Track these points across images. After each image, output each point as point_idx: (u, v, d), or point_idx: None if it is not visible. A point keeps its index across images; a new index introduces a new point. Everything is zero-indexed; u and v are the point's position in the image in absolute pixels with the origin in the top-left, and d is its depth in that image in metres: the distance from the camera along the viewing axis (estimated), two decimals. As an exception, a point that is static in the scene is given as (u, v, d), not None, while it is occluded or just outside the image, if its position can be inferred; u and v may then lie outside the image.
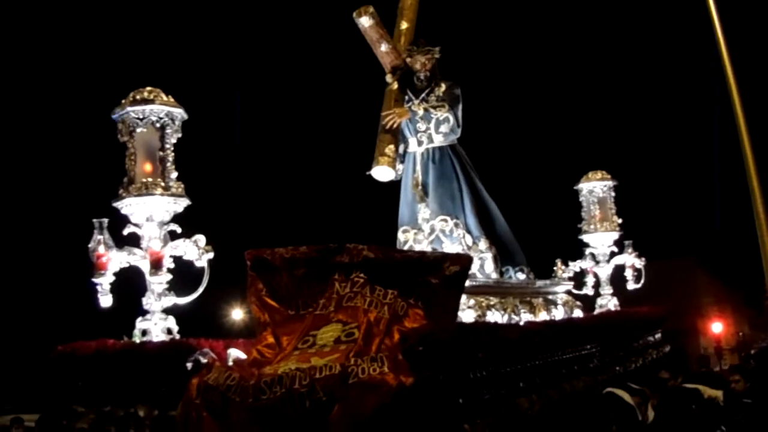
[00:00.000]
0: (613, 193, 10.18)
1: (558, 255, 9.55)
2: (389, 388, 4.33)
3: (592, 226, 10.05)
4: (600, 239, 10.08)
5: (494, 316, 6.83)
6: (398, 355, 4.55)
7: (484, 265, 7.68)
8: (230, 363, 5.30)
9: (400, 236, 8.12)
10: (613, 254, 10.18)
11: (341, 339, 5.05)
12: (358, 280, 5.38)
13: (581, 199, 10.17)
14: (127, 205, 5.69)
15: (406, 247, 7.77)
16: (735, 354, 23.67)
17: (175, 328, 5.72)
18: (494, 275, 7.79)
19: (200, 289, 5.74)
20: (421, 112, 8.33)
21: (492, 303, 6.99)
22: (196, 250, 5.71)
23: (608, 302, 10.05)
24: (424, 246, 7.52)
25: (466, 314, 6.61)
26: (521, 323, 6.84)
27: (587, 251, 10.12)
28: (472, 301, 6.77)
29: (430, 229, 7.71)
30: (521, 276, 8.29)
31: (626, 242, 10.21)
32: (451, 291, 5.36)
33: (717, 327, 26.11)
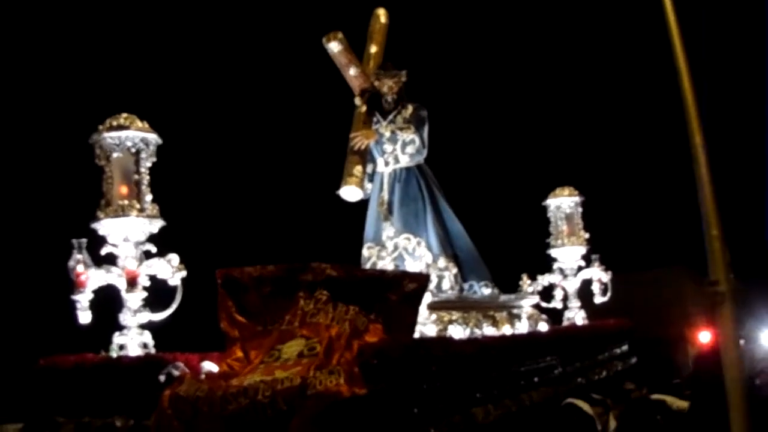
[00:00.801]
0: (580, 209, 10.41)
1: (527, 270, 9.79)
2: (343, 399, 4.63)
3: (559, 241, 10.29)
4: (568, 254, 10.34)
5: (456, 331, 7.08)
6: (355, 368, 4.84)
7: (441, 283, 7.91)
8: (203, 375, 5.58)
9: (365, 253, 8.34)
10: (580, 268, 10.43)
11: (304, 353, 5.34)
12: (321, 297, 5.66)
13: (549, 214, 10.43)
14: (104, 226, 5.94)
15: (369, 263, 8.02)
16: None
17: (151, 342, 5.97)
18: (451, 292, 8.03)
19: (174, 306, 6.02)
20: (387, 133, 8.63)
21: (454, 318, 7.23)
22: (169, 269, 6.00)
23: (575, 315, 10.28)
24: (387, 262, 7.77)
25: (428, 329, 6.85)
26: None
27: (555, 266, 10.37)
28: (434, 316, 7.02)
29: (393, 246, 7.94)
30: (486, 291, 8.54)
31: (593, 256, 10.42)
32: (409, 307, 5.64)
33: (705, 336, 25.94)
